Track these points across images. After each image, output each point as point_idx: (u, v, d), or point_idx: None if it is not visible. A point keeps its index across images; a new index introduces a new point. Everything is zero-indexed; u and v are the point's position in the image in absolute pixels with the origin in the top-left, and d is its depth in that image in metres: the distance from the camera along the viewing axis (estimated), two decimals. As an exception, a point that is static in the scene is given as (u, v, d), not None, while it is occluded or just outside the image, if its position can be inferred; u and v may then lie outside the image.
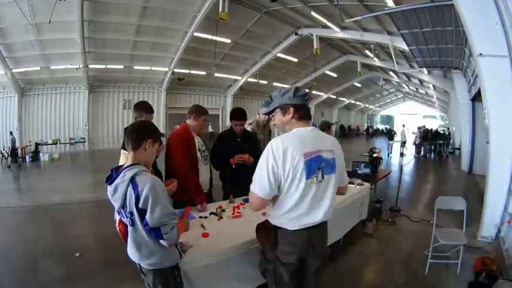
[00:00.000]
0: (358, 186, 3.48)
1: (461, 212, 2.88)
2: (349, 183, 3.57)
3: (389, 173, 5.46)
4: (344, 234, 3.19)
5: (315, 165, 1.43)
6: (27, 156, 11.34)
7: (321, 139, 1.53)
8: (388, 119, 41.13)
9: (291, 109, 1.50)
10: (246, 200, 2.66)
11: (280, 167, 1.38)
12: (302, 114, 1.52)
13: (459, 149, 11.20)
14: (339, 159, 1.57)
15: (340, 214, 2.99)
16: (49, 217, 4.72)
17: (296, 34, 12.37)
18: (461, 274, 2.70)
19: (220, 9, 8.55)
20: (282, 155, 1.37)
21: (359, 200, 3.43)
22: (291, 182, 1.40)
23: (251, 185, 1.46)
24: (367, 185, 3.69)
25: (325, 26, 10.79)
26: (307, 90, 1.67)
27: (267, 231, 1.55)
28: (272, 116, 1.61)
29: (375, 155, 5.15)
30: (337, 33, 10.94)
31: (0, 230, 4.15)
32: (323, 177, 1.46)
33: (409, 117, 35.00)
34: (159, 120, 15.92)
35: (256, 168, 1.44)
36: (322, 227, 1.57)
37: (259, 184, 1.41)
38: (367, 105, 35.19)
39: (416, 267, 2.89)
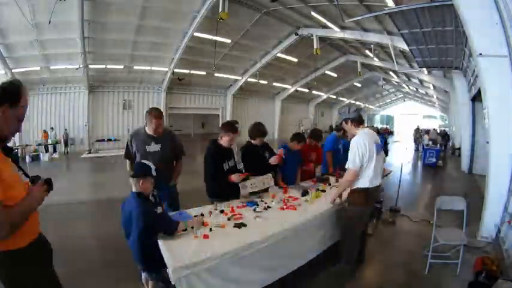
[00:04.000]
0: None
1: (461, 212, 2.88)
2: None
3: (389, 173, 5.46)
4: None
5: (377, 147, 2.53)
6: (27, 156, 11.35)
7: (373, 134, 2.64)
8: (388, 119, 41.13)
9: (349, 121, 2.62)
10: (250, 204, 2.65)
11: (364, 151, 2.42)
12: (356, 123, 2.61)
13: (459, 149, 11.20)
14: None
15: (341, 215, 2.99)
16: (49, 217, 4.71)
17: (296, 34, 12.36)
18: (461, 274, 2.70)
19: (220, 9, 8.54)
20: (363, 144, 2.43)
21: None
22: (369, 157, 2.44)
23: (348, 165, 2.48)
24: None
25: (325, 26, 10.78)
26: (358, 107, 3.10)
27: (358, 193, 2.52)
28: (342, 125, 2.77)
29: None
30: (337, 33, 10.92)
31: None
32: (379, 154, 2.55)
33: (409, 117, 35.08)
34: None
35: (350, 155, 2.47)
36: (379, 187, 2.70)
37: (353, 162, 2.43)
38: (367, 105, 35.18)
39: (416, 267, 2.89)
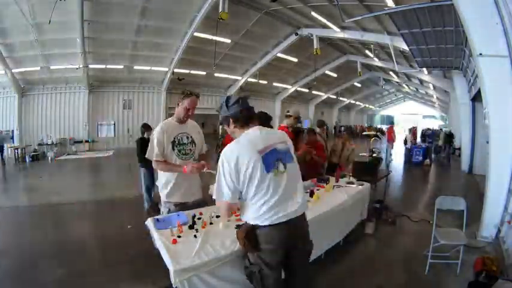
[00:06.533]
0: (359, 186, 3.48)
1: (461, 212, 2.88)
2: (349, 183, 3.59)
3: (389, 173, 5.46)
4: (345, 236, 3.18)
5: (273, 158, 1.53)
6: (27, 157, 11.35)
7: (270, 135, 1.64)
8: (388, 119, 41.17)
9: (230, 120, 1.62)
10: None
11: (235, 174, 1.48)
12: (241, 121, 1.60)
13: (459, 149, 11.20)
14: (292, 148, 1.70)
15: (341, 215, 2.99)
16: (49, 217, 4.73)
17: (296, 34, 12.36)
18: (461, 274, 2.70)
19: (220, 9, 8.54)
20: (235, 163, 1.47)
21: (359, 201, 3.43)
22: (249, 180, 1.47)
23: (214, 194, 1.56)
24: (367, 185, 3.70)
25: (325, 26, 10.78)
26: (238, 96, 1.66)
27: (246, 233, 1.55)
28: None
29: (374, 155, 5.15)
30: (337, 33, 10.93)
31: (1, 229, 4.16)
32: (285, 167, 1.55)
33: (409, 117, 35.10)
34: (159, 120, 15.93)
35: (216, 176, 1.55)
36: (301, 219, 1.61)
37: (219, 193, 1.53)
38: (367, 105, 35.18)
39: (416, 267, 2.89)
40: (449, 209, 2.96)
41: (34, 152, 11.84)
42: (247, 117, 1.61)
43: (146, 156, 2.29)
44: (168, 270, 1.61)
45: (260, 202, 1.49)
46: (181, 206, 2.35)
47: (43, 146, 12.51)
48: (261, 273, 1.54)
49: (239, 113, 1.59)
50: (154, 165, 2.31)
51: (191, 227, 2.08)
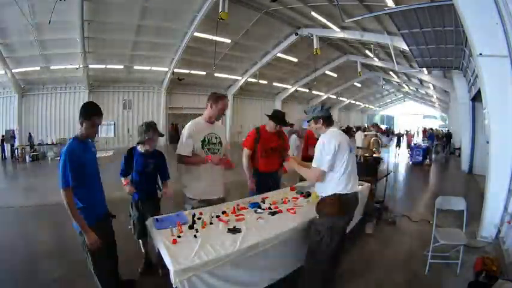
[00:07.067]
0: (358, 187, 3.47)
1: (461, 212, 2.88)
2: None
3: (389, 173, 5.46)
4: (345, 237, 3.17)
5: (349, 147, 2.13)
6: (27, 156, 11.35)
7: (343, 134, 2.23)
8: (388, 119, 41.17)
9: (321, 120, 2.18)
10: (251, 205, 2.64)
11: (335, 150, 2.02)
12: (328, 122, 2.20)
13: (459, 149, 11.21)
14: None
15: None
16: (49, 217, 4.72)
17: (296, 34, 12.37)
18: (461, 274, 2.70)
19: (220, 9, 8.54)
20: (335, 142, 2.03)
21: (360, 201, 3.43)
22: (341, 158, 2.04)
23: (314, 164, 2.10)
24: (367, 184, 3.70)
25: (325, 26, 10.79)
26: (329, 106, 2.52)
27: (330, 201, 2.07)
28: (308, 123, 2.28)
29: (375, 155, 5.14)
30: (337, 33, 10.94)
31: (1, 229, 4.15)
32: (351, 152, 2.15)
33: (409, 117, 35.12)
34: (159, 120, 15.93)
35: (316, 153, 2.09)
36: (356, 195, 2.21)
37: (320, 161, 2.05)
38: (367, 105, 35.18)
39: (416, 267, 2.89)
40: (449, 209, 2.96)
41: (34, 151, 11.84)
42: (331, 120, 2.21)
43: (176, 151, 2.43)
44: (168, 270, 1.61)
45: (343, 176, 2.06)
46: (205, 203, 2.47)
47: (43, 146, 12.51)
48: (332, 231, 2.05)
49: (327, 116, 2.19)
50: (180, 160, 2.44)
51: (191, 227, 2.08)
